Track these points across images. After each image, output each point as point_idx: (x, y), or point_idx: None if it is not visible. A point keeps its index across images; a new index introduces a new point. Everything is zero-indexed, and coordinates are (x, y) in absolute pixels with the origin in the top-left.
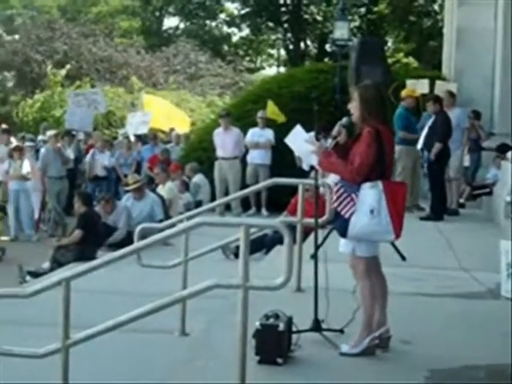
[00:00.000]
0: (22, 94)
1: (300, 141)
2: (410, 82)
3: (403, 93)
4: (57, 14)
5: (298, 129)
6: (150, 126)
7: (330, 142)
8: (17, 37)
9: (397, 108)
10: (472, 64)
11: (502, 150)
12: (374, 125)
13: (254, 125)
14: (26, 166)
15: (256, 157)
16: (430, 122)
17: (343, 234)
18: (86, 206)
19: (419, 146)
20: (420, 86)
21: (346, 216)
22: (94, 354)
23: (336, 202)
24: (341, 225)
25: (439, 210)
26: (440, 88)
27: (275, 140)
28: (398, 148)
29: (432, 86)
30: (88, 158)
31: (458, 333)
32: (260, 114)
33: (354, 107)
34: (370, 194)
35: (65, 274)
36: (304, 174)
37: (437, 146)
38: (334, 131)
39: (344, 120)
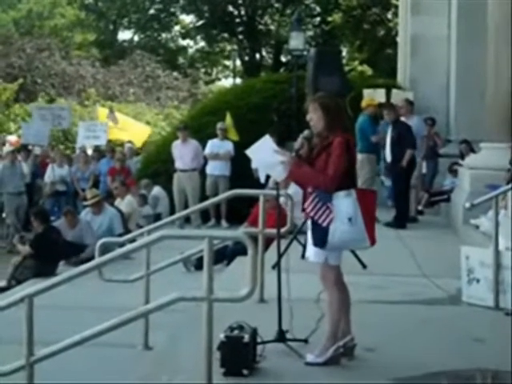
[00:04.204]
0: None
1: (266, 151)
2: (367, 92)
3: (363, 102)
4: (12, 28)
5: (267, 138)
6: (107, 137)
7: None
8: None
9: (355, 118)
10: (427, 72)
11: None
12: (342, 134)
13: (212, 137)
14: None
15: (215, 168)
16: (389, 132)
17: (322, 243)
18: (43, 224)
19: (388, 158)
20: (377, 95)
21: (324, 225)
22: (58, 369)
23: (312, 211)
24: (318, 234)
25: (404, 219)
26: (396, 96)
27: (234, 151)
28: (359, 157)
29: (388, 94)
30: (48, 172)
31: (420, 339)
32: (219, 125)
33: (316, 118)
34: (346, 203)
35: (28, 291)
36: (262, 186)
37: (409, 153)
38: (297, 144)
39: (306, 133)
